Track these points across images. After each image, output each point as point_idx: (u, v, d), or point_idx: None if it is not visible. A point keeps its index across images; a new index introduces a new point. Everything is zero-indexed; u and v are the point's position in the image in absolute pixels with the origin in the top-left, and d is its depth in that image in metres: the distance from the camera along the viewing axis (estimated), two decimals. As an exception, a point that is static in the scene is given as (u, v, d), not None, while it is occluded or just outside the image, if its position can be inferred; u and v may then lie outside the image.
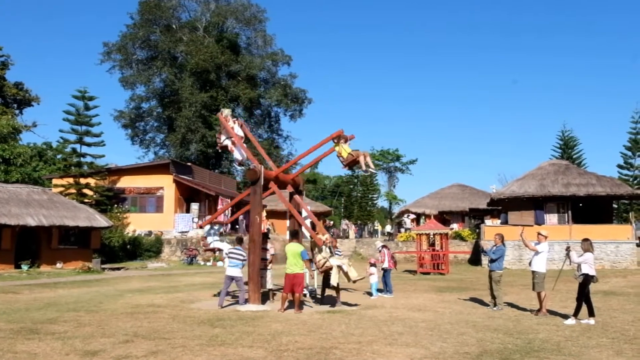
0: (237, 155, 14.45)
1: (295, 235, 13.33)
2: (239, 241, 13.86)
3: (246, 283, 13.12)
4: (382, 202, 75.19)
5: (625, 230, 29.39)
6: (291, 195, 15.09)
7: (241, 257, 13.01)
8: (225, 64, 53.81)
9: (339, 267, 12.65)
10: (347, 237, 40.64)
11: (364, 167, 13.98)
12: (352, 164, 14.11)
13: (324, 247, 12.78)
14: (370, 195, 57.03)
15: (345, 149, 13.87)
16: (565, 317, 11.34)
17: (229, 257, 13.12)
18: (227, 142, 14.52)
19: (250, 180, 13.29)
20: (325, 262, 12.67)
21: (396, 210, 60.86)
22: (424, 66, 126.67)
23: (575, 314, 11.05)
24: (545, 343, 8.87)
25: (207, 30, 56.29)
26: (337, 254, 13.41)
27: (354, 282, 12.92)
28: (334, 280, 12.64)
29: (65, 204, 27.99)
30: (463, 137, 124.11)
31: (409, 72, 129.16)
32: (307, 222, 14.13)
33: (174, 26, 56.04)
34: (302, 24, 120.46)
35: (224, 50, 53.66)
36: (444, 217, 40.05)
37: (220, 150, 16.75)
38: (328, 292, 14.11)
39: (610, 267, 27.43)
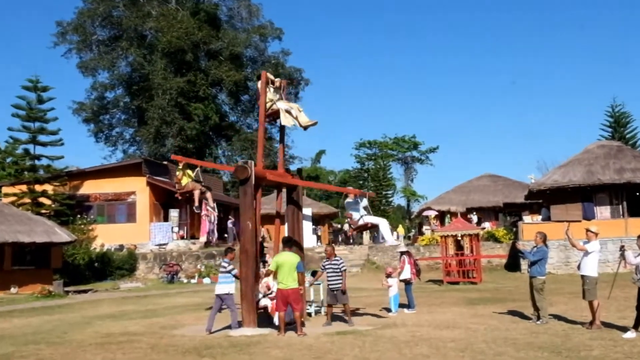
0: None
1: (289, 243, 13.19)
2: (227, 252, 13.80)
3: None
4: (398, 200, 75.38)
5: (693, 222, 29.26)
6: (289, 195, 15.07)
7: (225, 271, 13.03)
8: (204, 42, 53.84)
9: (287, 111, 14.56)
10: (361, 244, 40.43)
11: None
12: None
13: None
14: (384, 192, 56.96)
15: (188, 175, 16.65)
16: (624, 329, 11.31)
17: (220, 272, 13.17)
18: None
19: (239, 179, 13.20)
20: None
21: (415, 208, 60.86)
22: (442, 48, 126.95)
23: (636, 326, 11.02)
24: (600, 361, 8.84)
25: (180, 2, 56.30)
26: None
27: (305, 128, 14.83)
28: (285, 122, 14.69)
29: (19, 217, 28.02)
30: (493, 119, 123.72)
31: (426, 51, 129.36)
32: (307, 225, 14.19)
33: (140, -1, 56.08)
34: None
35: (202, 25, 53.68)
36: (474, 215, 39.98)
37: None
38: (336, 310, 14.11)
39: (676, 268, 27.30)
